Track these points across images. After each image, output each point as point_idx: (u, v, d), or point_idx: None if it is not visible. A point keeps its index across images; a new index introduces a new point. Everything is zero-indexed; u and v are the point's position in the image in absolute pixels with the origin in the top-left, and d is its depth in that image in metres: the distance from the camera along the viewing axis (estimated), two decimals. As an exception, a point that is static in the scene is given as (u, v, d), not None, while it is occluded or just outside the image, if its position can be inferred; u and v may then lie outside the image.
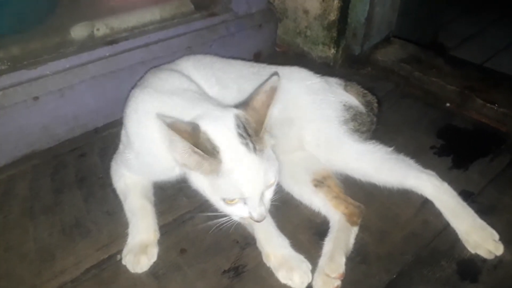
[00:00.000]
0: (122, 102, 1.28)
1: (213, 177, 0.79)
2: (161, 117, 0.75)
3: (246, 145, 0.79)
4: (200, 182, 0.82)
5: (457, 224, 0.97)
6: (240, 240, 0.95)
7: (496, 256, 0.92)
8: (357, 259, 0.91)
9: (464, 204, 0.98)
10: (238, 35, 1.48)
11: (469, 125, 1.30)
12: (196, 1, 1.40)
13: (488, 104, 1.30)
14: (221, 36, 1.44)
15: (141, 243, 0.90)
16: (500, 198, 1.06)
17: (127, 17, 1.27)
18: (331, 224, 0.97)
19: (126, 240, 0.91)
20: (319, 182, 1.03)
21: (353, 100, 1.11)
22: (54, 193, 1.05)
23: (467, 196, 1.04)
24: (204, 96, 0.94)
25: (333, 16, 1.47)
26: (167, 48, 1.32)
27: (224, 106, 0.88)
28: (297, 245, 0.91)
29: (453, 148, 1.21)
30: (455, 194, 1.00)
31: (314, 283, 0.85)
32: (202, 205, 1.02)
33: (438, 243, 0.95)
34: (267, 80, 0.86)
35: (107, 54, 1.21)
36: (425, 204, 1.02)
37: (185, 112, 0.84)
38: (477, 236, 0.94)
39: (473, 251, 0.93)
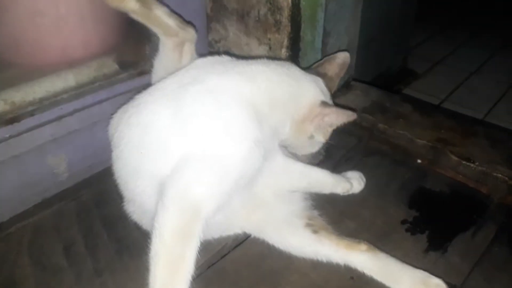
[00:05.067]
0: (29, 188, 1.08)
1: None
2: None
3: None
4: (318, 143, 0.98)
5: None
6: None
7: None
8: None
9: None
10: (176, 93, 1.28)
11: (445, 187, 1.12)
12: (121, 60, 1.20)
13: (464, 162, 1.12)
14: (155, 97, 1.23)
15: None
16: (488, 288, 0.87)
17: (33, 88, 1.06)
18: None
19: None
20: (311, 226, 0.84)
21: None
22: None
23: (448, 291, 0.85)
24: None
25: (282, 65, 1.28)
26: (86, 118, 1.11)
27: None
28: None
29: (428, 221, 1.02)
30: None
31: None
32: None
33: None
34: (336, 53, 1.04)
35: (7, 136, 0.99)
36: None
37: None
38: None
39: None
